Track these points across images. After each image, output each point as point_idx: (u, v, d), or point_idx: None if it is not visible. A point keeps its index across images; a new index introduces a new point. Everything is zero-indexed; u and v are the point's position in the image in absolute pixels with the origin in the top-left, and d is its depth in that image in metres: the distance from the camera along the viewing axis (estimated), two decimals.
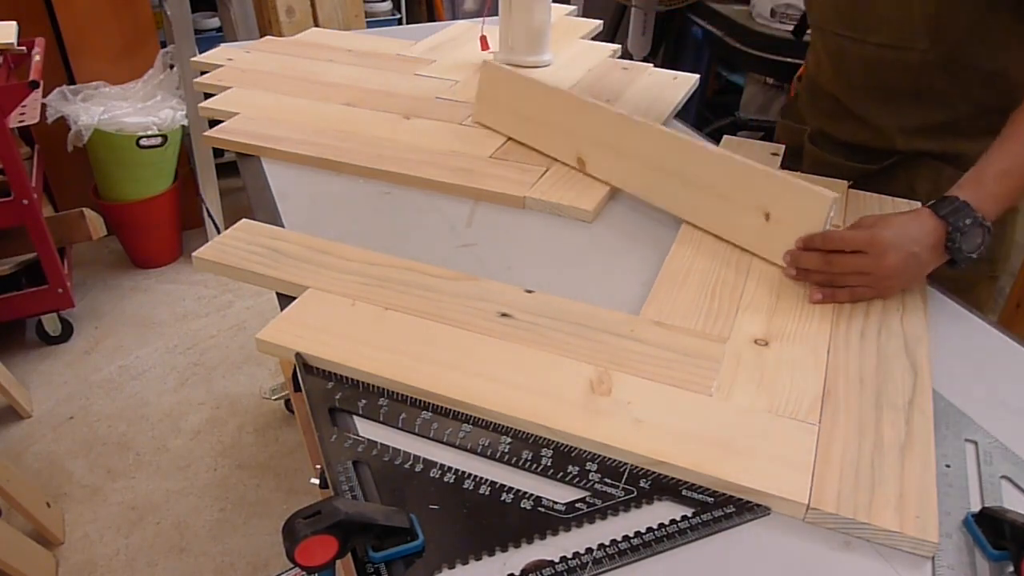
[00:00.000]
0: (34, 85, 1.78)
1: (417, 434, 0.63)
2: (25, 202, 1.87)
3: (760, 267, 0.86)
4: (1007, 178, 0.78)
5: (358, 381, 0.68)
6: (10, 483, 1.49)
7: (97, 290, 2.39)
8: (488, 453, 0.62)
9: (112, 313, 2.29)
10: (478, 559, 0.53)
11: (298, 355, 0.69)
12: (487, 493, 0.58)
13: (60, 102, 2.19)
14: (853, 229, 0.80)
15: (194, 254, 0.84)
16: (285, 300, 0.78)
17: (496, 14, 1.38)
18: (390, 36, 1.57)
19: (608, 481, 0.59)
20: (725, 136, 1.18)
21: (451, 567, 0.53)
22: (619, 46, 1.55)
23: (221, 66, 1.33)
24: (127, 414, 1.93)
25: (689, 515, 0.57)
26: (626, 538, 0.55)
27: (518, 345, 0.72)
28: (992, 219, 0.77)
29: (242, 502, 1.71)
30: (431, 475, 0.59)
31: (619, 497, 0.58)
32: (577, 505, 0.57)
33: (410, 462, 0.60)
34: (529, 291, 0.79)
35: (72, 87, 2.24)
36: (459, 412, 0.65)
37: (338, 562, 0.50)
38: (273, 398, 1.98)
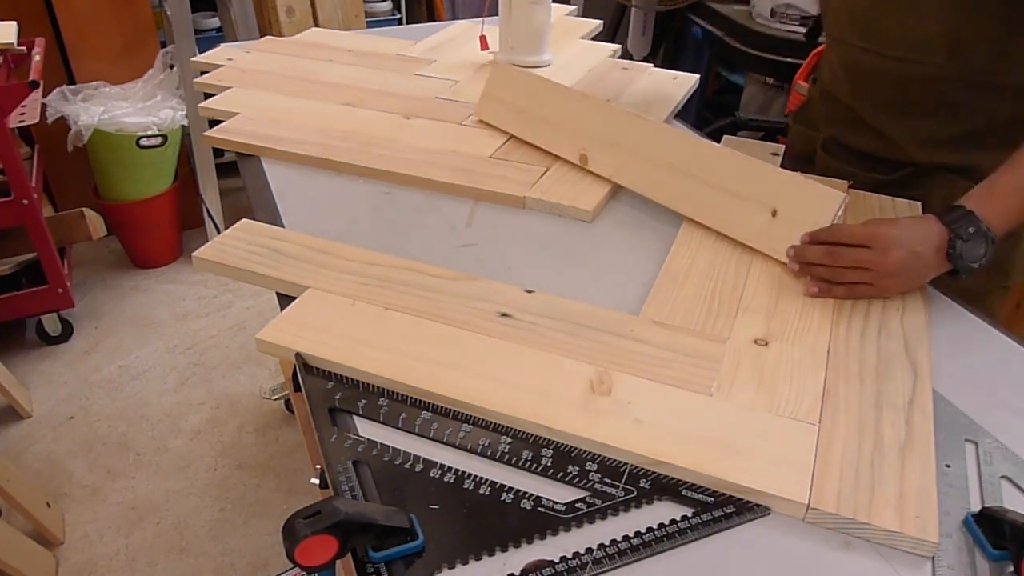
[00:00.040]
0: (34, 85, 1.78)
1: (417, 434, 0.63)
2: (25, 202, 1.87)
3: (760, 267, 0.86)
4: (1020, 192, 0.77)
5: (358, 381, 0.68)
6: (10, 483, 1.49)
7: (97, 290, 2.39)
8: (488, 453, 0.62)
9: (112, 313, 2.29)
10: (478, 559, 0.53)
11: (298, 355, 0.69)
12: (487, 493, 0.58)
13: (60, 102, 2.19)
14: (859, 225, 0.80)
15: (194, 254, 0.84)
16: (285, 300, 0.78)
17: (496, 14, 1.38)
18: (390, 36, 1.57)
19: (608, 481, 0.59)
20: (725, 136, 1.18)
21: (451, 567, 0.53)
22: (619, 46, 1.55)
23: (221, 66, 1.34)
24: (127, 414, 1.93)
25: (689, 515, 0.57)
26: (626, 538, 0.55)
27: (518, 345, 0.72)
28: (1000, 232, 0.76)
29: (242, 502, 1.71)
30: (431, 475, 0.59)
31: (619, 497, 0.58)
32: (577, 505, 0.57)
33: (410, 462, 0.60)
34: (529, 291, 0.79)
35: (72, 87, 2.24)
36: (459, 412, 0.65)
37: (338, 562, 0.50)
38: (273, 398, 1.98)
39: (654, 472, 0.60)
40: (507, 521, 0.56)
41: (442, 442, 0.63)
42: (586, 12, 2.27)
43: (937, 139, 0.97)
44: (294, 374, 0.74)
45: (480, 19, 1.49)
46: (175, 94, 2.33)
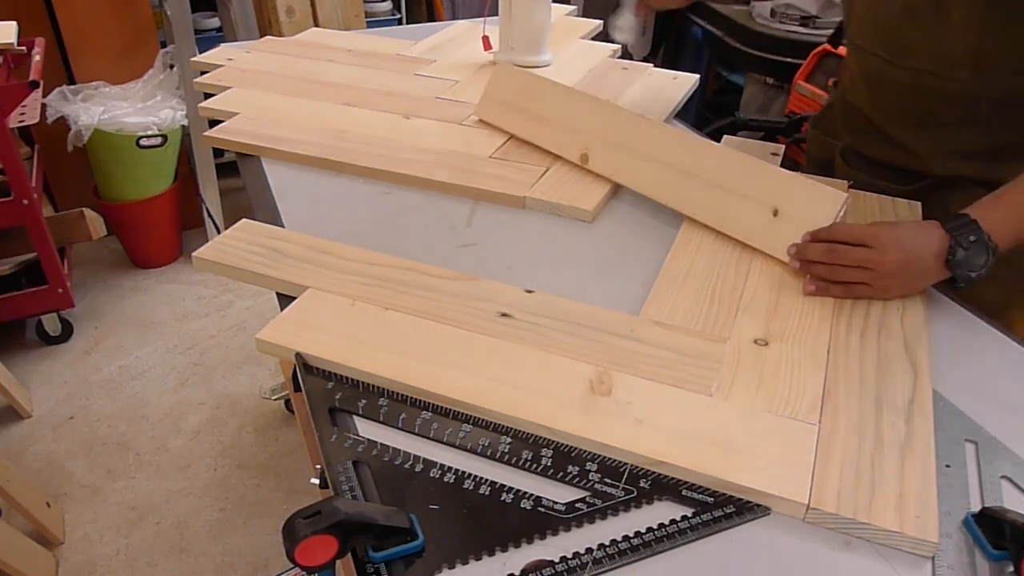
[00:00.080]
0: (34, 85, 1.78)
1: (417, 434, 0.63)
2: (25, 202, 1.87)
3: (760, 267, 0.86)
4: None
5: (358, 381, 0.68)
6: (10, 483, 1.49)
7: (97, 290, 2.39)
8: (488, 453, 0.62)
9: (112, 313, 2.29)
10: (478, 559, 0.53)
11: (298, 355, 0.69)
12: (487, 493, 0.58)
13: (60, 102, 2.19)
14: (861, 225, 0.80)
15: (194, 254, 0.84)
16: (285, 300, 0.78)
17: (496, 14, 1.38)
18: (390, 36, 1.57)
19: (608, 481, 0.59)
20: (725, 136, 1.18)
21: (451, 567, 0.53)
22: (619, 46, 1.55)
23: (221, 66, 1.33)
24: (127, 414, 1.93)
25: (689, 515, 0.57)
26: (626, 538, 0.55)
27: (518, 345, 0.72)
28: (1003, 244, 0.76)
29: (242, 502, 1.71)
30: (431, 475, 0.59)
31: (619, 497, 0.58)
32: (577, 505, 0.57)
33: (410, 462, 0.60)
34: (529, 291, 0.79)
35: (72, 87, 2.24)
36: (459, 412, 0.65)
37: (338, 562, 0.50)
38: (273, 398, 1.98)
39: (654, 472, 0.60)
40: (507, 521, 0.56)
41: (442, 442, 0.63)
42: (586, 12, 2.27)
43: (958, 152, 0.95)
44: (294, 374, 0.74)
45: (480, 19, 1.49)
46: (175, 94, 2.33)
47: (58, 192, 2.46)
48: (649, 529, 0.56)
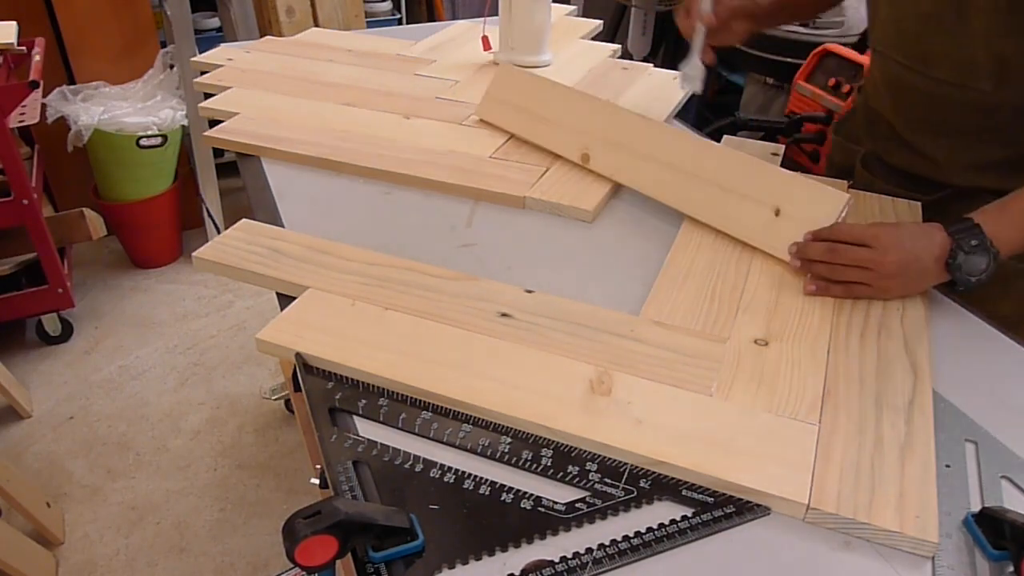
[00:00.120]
0: (34, 85, 1.78)
1: (417, 434, 0.63)
2: (25, 202, 1.87)
3: (760, 267, 0.86)
4: None
5: (358, 381, 0.68)
6: (10, 483, 1.49)
7: (97, 290, 2.39)
8: (488, 453, 0.62)
9: (112, 313, 2.29)
10: (478, 559, 0.53)
11: (298, 355, 0.69)
12: (487, 493, 0.58)
13: (60, 102, 2.19)
14: (863, 225, 0.80)
15: (194, 254, 0.84)
16: (285, 300, 0.78)
17: (496, 14, 1.38)
18: (390, 36, 1.57)
19: (608, 481, 0.59)
20: (725, 136, 1.18)
21: (451, 567, 0.53)
22: (619, 46, 1.55)
23: (221, 66, 1.33)
24: (127, 414, 1.93)
25: (689, 515, 0.57)
26: (626, 538, 0.55)
27: (518, 345, 0.72)
28: (1007, 251, 0.76)
29: (242, 502, 1.71)
30: (431, 475, 0.59)
31: (619, 497, 0.58)
32: (577, 505, 0.57)
33: (410, 462, 0.60)
34: (529, 291, 0.79)
35: (72, 87, 2.24)
36: (459, 412, 0.65)
37: (338, 562, 0.50)
38: (273, 398, 1.98)
39: (654, 472, 0.60)
40: (507, 521, 0.56)
41: (442, 442, 0.63)
42: (586, 12, 2.27)
43: (980, 163, 0.94)
44: (294, 374, 0.74)
45: (480, 19, 1.49)
46: (175, 94, 2.33)
47: (58, 192, 2.46)
48: (649, 529, 0.56)
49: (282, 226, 0.91)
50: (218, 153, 2.49)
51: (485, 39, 1.45)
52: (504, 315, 0.75)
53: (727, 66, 2.86)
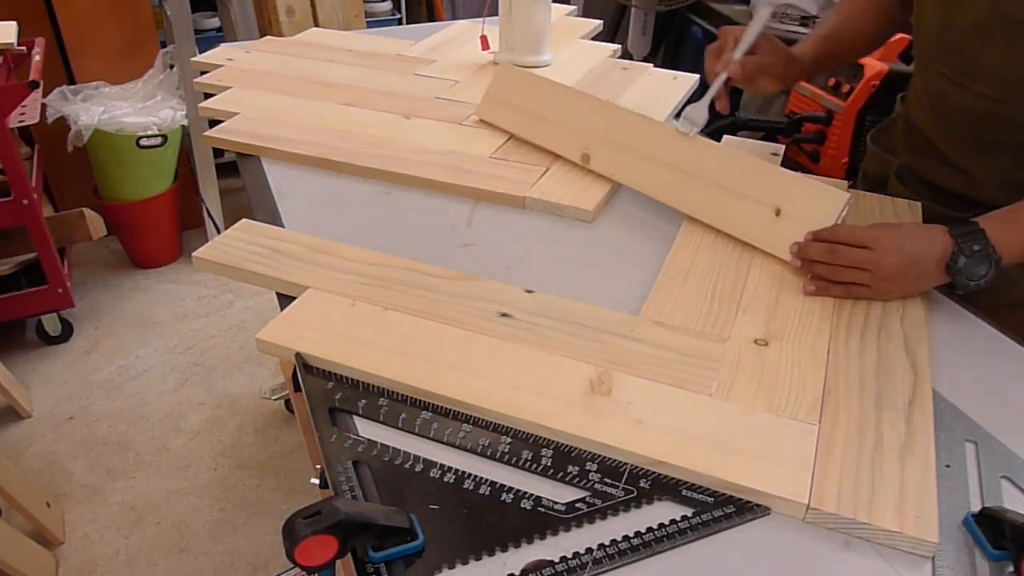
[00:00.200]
0: (34, 85, 1.78)
1: (417, 434, 0.63)
2: (25, 202, 1.87)
3: (760, 268, 0.86)
4: None
5: (358, 381, 0.68)
6: (10, 483, 1.49)
7: (97, 290, 2.39)
8: (488, 453, 0.61)
9: (112, 313, 2.29)
10: (478, 559, 0.53)
11: (298, 355, 0.69)
12: (487, 493, 0.58)
13: (60, 102, 2.19)
14: (863, 226, 0.80)
15: (194, 254, 0.84)
16: (285, 300, 0.78)
17: (496, 14, 1.38)
18: (390, 36, 1.57)
19: (608, 481, 0.59)
20: (725, 136, 1.18)
21: (451, 567, 0.53)
22: (619, 46, 1.55)
23: (221, 66, 1.33)
24: (127, 414, 1.93)
25: (689, 515, 0.57)
26: (626, 538, 0.55)
27: (518, 345, 0.72)
28: (1009, 257, 0.75)
29: (242, 502, 1.71)
30: (431, 475, 0.59)
31: (619, 497, 0.58)
32: (577, 505, 0.57)
33: (410, 462, 0.60)
34: (529, 291, 0.79)
35: (72, 87, 2.24)
36: (459, 412, 0.65)
37: (338, 562, 0.50)
38: (273, 398, 1.98)
39: (654, 472, 0.60)
40: (507, 521, 0.56)
41: (442, 442, 0.63)
42: (586, 12, 2.27)
43: (1017, 182, 0.90)
44: (294, 374, 0.74)
45: (480, 19, 1.49)
46: (175, 94, 2.33)
47: (58, 192, 2.46)
48: (649, 529, 0.56)
49: (282, 226, 0.91)
50: (218, 153, 2.49)
51: (485, 39, 1.45)
52: (504, 315, 0.75)
53: None
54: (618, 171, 1.00)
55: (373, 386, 0.67)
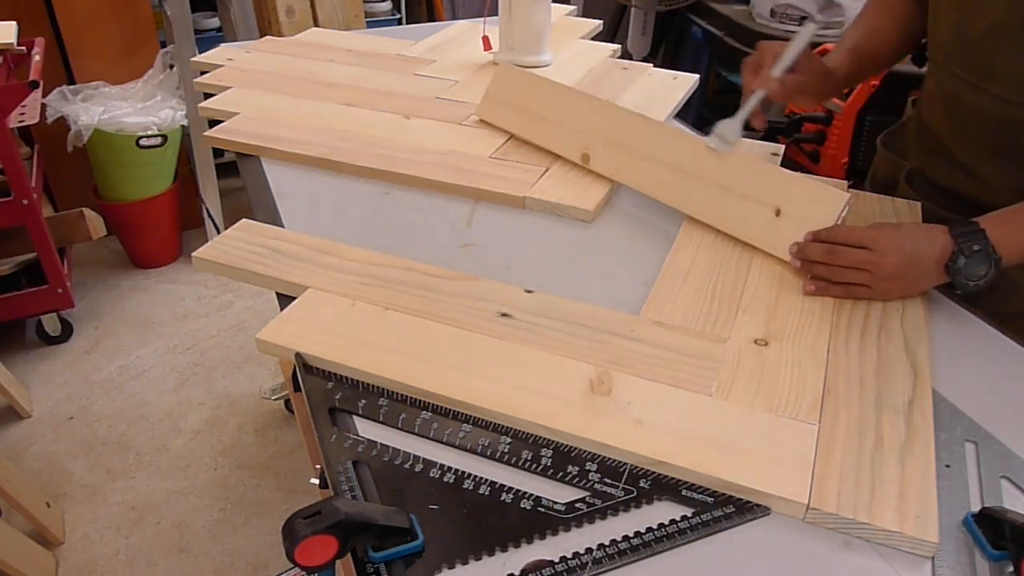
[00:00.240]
0: (34, 85, 1.78)
1: (417, 434, 0.63)
2: (25, 202, 1.87)
3: (761, 268, 0.86)
4: None
5: (358, 381, 0.68)
6: (10, 483, 1.49)
7: (97, 290, 2.39)
8: (488, 453, 0.61)
9: (112, 313, 2.29)
10: (478, 559, 0.53)
11: (298, 355, 0.69)
12: (487, 493, 0.58)
13: (60, 102, 2.19)
14: (863, 227, 0.80)
15: (194, 254, 0.84)
16: (285, 300, 0.78)
17: (496, 14, 1.38)
18: (390, 36, 1.57)
19: (608, 481, 0.59)
20: None
21: (451, 567, 0.53)
22: (619, 46, 1.55)
23: (221, 66, 1.33)
24: (127, 414, 1.93)
25: (689, 515, 0.57)
26: (626, 538, 0.55)
27: (518, 345, 0.72)
28: (1008, 259, 0.75)
29: (242, 502, 1.71)
30: (431, 475, 0.59)
31: (619, 497, 0.58)
32: (577, 505, 0.57)
33: (410, 462, 0.60)
34: (529, 291, 0.79)
35: (72, 87, 2.24)
36: (459, 412, 0.65)
37: (338, 562, 0.50)
38: (273, 398, 1.98)
39: (654, 472, 0.60)
40: (507, 521, 0.56)
41: (442, 442, 0.63)
42: (586, 12, 2.27)
43: None
44: (294, 374, 0.74)
45: (480, 19, 1.49)
46: (175, 94, 2.34)
47: (58, 192, 2.46)
48: (649, 529, 0.56)
49: (282, 226, 0.91)
50: (218, 153, 2.49)
51: (485, 39, 1.45)
52: (504, 315, 0.75)
53: (727, 66, 2.86)
54: (618, 171, 1.00)
55: (373, 386, 0.67)
